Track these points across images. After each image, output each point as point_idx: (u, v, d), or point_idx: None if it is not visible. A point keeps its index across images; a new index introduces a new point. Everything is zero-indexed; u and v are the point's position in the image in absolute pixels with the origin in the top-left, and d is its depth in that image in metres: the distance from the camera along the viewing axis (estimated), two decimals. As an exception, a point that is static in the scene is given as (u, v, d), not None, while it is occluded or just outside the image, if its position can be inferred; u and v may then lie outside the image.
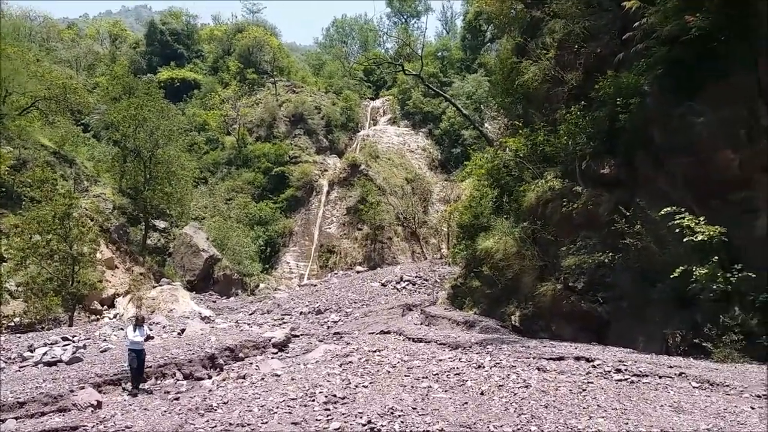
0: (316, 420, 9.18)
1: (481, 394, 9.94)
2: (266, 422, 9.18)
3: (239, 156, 56.88)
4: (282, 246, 52.90)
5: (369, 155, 55.26)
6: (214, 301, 36.60)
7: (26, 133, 33.62)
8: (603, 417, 8.08)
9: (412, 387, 10.79)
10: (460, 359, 13.48)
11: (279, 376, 14.03)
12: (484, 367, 12.46)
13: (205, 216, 47.75)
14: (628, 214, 15.05)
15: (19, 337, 20.96)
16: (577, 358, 12.55)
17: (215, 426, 8.95)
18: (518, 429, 7.78)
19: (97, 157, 44.15)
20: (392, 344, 18.10)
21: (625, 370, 11.22)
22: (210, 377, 16.19)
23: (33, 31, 66.34)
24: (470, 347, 15.32)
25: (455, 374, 11.69)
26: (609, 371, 11.31)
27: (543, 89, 20.48)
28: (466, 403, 9.39)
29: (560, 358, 12.58)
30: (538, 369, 11.66)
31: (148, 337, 14.48)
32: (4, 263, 26.43)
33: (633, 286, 15.31)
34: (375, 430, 8.01)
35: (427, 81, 48.60)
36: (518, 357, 13.03)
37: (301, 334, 23.56)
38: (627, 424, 7.72)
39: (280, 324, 26.41)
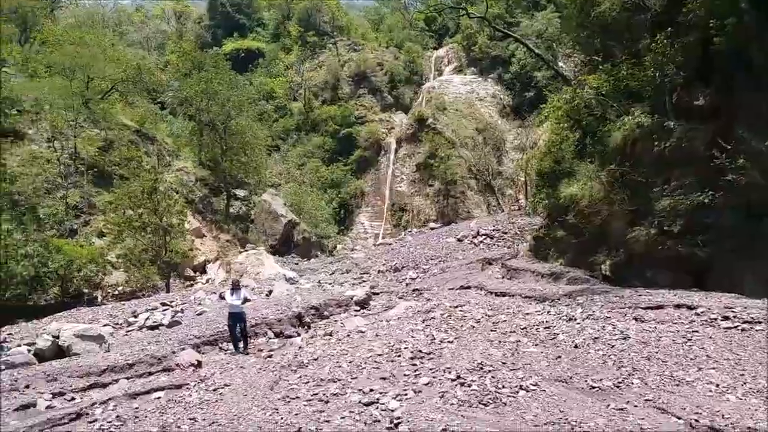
0: (404, 375, 9.27)
1: (575, 347, 9.67)
2: (355, 377, 9.37)
3: (307, 121, 57.47)
4: (355, 207, 53.40)
5: (436, 108, 54.09)
6: (297, 263, 37.71)
7: (109, 115, 35.40)
8: (714, 368, 7.64)
9: (500, 342, 10.66)
10: (548, 312, 13.17)
11: (363, 332, 14.31)
12: (575, 319, 12.10)
13: (281, 182, 48.90)
14: (728, 147, 13.90)
15: (123, 305, 22.52)
16: (678, 306, 11.92)
17: (307, 381, 9.23)
18: (619, 382, 7.50)
19: (175, 132, 45.97)
20: (474, 299, 17.98)
21: (734, 317, 10.54)
22: (299, 335, 16.77)
23: (105, 18, 68.99)
24: (558, 299, 14.93)
25: (545, 328, 11.44)
26: (715, 318, 10.68)
27: (623, 19, 18.98)
28: (560, 356, 9.16)
29: (659, 307, 11.99)
30: (636, 319, 11.18)
31: (245, 300, 14.73)
32: (104, 237, 28.37)
33: (737, 225, 14.23)
34: (465, 384, 7.98)
35: (492, 23, 46.44)
36: (612, 308, 12.54)
37: (381, 292, 23.84)
38: (743, 375, 7.25)
39: (360, 282, 26.88)
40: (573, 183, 20.54)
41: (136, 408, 8.83)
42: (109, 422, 7.89)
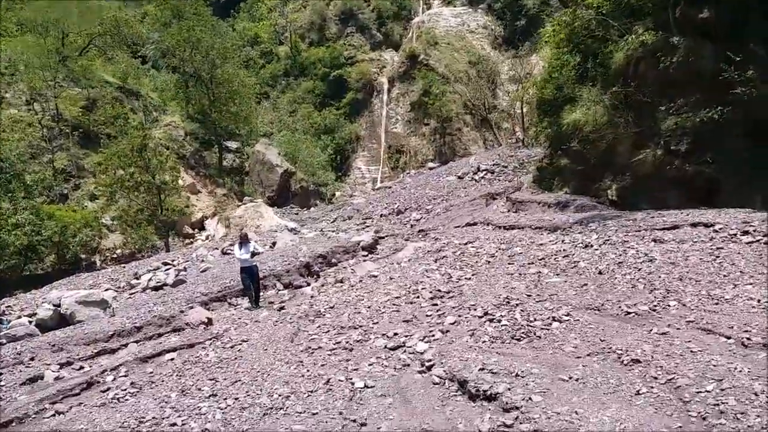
0: (427, 316, 8.89)
1: (600, 273, 9.26)
2: (377, 322, 9.00)
3: (295, 65, 55.55)
4: (351, 152, 52.32)
5: (427, 43, 52.25)
6: (296, 214, 37.26)
7: (90, 72, 33.98)
8: (750, 284, 7.22)
9: (520, 274, 10.25)
10: (563, 241, 12.74)
11: (376, 276, 13.94)
12: (592, 245, 11.68)
13: (273, 131, 47.74)
14: (737, 58, 13.19)
15: (124, 267, 22.10)
16: (694, 225, 11.48)
17: (328, 330, 8.85)
18: (655, 306, 7.10)
19: (160, 87, 44.41)
20: (483, 234, 17.60)
21: (754, 231, 10.12)
22: (308, 284, 16.42)
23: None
24: (570, 228, 14.50)
25: (563, 256, 11.02)
26: (735, 234, 10.26)
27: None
28: (585, 284, 8.76)
29: (675, 227, 11.55)
30: (655, 241, 10.74)
31: (254, 254, 14.17)
32: (96, 200, 27.68)
33: (747, 140, 13.76)
34: (495, 320, 7.58)
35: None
36: (627, 231, 12.11)
37: (386, 235, 23.44)
38: (783, 288, 6.83)
39: (364, 228, 26.48)
40: (575, 109, 19.83)
41: (151, 372, 8.44)
42: (124, 390, 7.50)
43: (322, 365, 7.16)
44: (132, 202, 26.27)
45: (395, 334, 8.23)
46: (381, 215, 30.19)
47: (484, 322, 7.64)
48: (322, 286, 15.72)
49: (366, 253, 19.79)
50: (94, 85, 33.83)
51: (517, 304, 8.06)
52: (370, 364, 7.16)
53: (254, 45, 57.11)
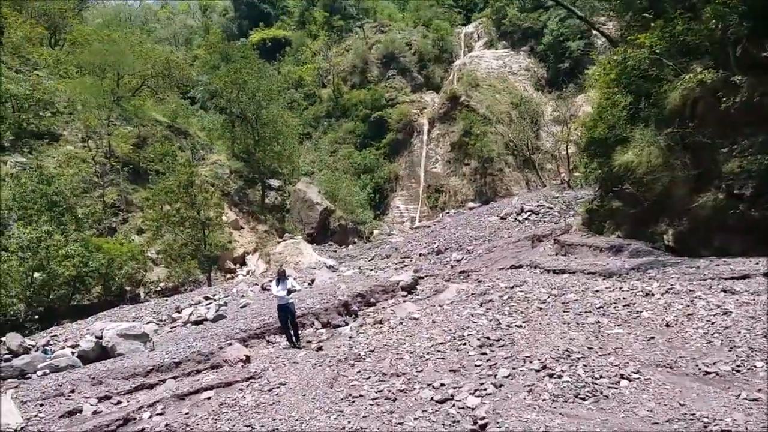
0: (476, 366, 8.33)
1: (667, 326, 8.54)
2: (421, 370, 8.49)
3: (337, 107, 56.53)
4: (390, 191, 52.39)
5: (468, 84, 52.44)
6: (335, 251, 37.14)
7: (141, 112, 35.18)
8: None
9: (577, 324, 9.59)
10: (621, 288, 11.99)
11: (417, 319, 13.42)
12: (653, 294, 10.92)
13: (314, 170, 48.27)
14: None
15: (166, 300, 22.15)
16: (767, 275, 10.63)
17: (369, 376, 8.38)
18: (738, 366, 6.38)
19: (207, 126, 45.65)
20: (531, 278, 16.90)
21: (837, 281, 9.26)
22: (347, 324, 16.01)
23: (132, 16, 69.13)
24: (626, 274, 13.74)
25: (623, 305, 10.30)
26: (814, 285, 9.40)
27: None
28: (653, 337, 8.07)
29: (745, 276, 10.72)
30: (725, 291, 9.94)
31: (290, 291, 13.60)
32: (143, 234, 28.14)
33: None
34: (555, 375, 6.97)
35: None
36: (691, 280, 11.32)
37: (426, 276, 22.93)
38: None
39: (402, 267, 26.03)
40: (627, 150, 19.16)
41: (186, 414, 8.10)
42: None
43: (364, 417, 6.68)
44: (177, 236, 26.57)
45: (442, 385, 7.70)
46: (420, 255, 29.67)
47: (543, 377, 7.05)
48: (361, 326, 15.27)
49: (405, 293, 19.29)
50: (145, 124, 34.94)
51: (578, 358, 7.44)
52: (415, 419, 6.64)
53: (298, 87, 58.59)
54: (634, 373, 6.73)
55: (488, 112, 50.14)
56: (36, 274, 21.04)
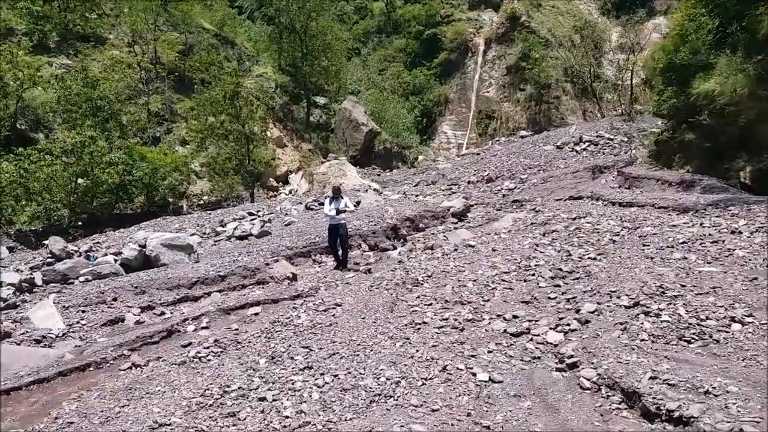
0: (549, 298, 7.51)
1: (769, 267, 7.44)
2: (487, 299, 7.71)
3: (389, 22, 53.81)
4: (438, 115, 50.50)
5: (530, 4, 48.92)
6: (378, 175, 36.26)
7: (189, 18, 33.88)
8: None
9: (662, 259, 8.56)
10: (701, 224, 10.80)
11: (473, 246, 12.58)
12: (741, 232, 9.74)
13: (361, 89, 46.62)
14: None
15: (210, 214, 21.87)
16: None
17: (431, 303, 7.66)
18: None
19: (254, 38, 44.16)
20: (595, 210, 15.73)
21: None
22: (395, 248, 15.37)
23: None
24: (704, 210, 12.47)
25: (711, 242, 9.18)
26: None
27: None
28: (755, 278, 7.01)
29: None
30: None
31: (339, 210, 12.41)
32: (186, 146, 27.74)
33: None
34: (652, 314, 6.06)
35: None
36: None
37: (476, 203, 21.99)
38: None
39: (450, 194, 25.07)
40: (709, 77, 17.30)
41: (236, 330, 7.56)
42: (207, 348, 6.63)
43: (434, 346, 5.98)
44: (221, 150, 26.06)
45: (515, 317, 6.92)
46: (469, 182, 28.52)
47: (638, 314, 6.15)
48: (410, 251, 14.60)
49: (456, 220, 18.46)
50: (191, 31, 33.84)
51: (675, 296, 6.48)
52: (489, 351, 5.91)
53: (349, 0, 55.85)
54: (747, 316, 5.77)
55: (549, 35, 47.03)
56: (80, 180, 20.87)
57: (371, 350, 5.94)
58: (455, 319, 6.85)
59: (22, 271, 13.27)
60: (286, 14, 36.89)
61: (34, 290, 12.31)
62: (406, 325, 6.69)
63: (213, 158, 26.15)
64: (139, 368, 6.44)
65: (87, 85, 22.97)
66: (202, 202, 26.56)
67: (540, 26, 47.37)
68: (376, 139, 39.63)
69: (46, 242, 15.20)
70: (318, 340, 6.39)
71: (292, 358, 5.95)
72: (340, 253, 12.85)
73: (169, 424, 4.75)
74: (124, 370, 6.51)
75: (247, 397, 5.16)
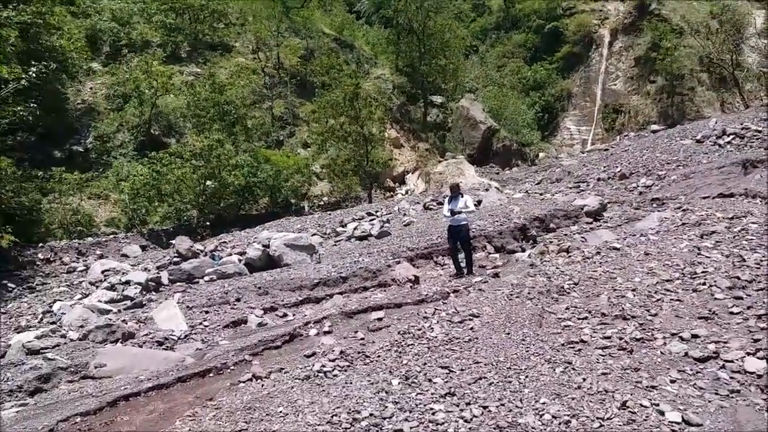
0: (731, 313, 6.23)
1: None
2: (655, 314, 6.46)
3: (507, 18, 52.03)
4: (560, 111, 47.97)
5: (661, -11, 45.02)
6: (497, 173, 34.88)
7: (309, 23, 34.79)
8: None
9: None
10: None
11: (618, 249, 11.11)
12: None
13: (478, 87, 45.33)
14: None
15: (330, 214, 21.89)
16: None
17: (585, 316, 6.56)
18: None
19: (371, 41, 44.52)
20: (755, 209, 13.54)
21: None
22: (523, 250, 14.18)
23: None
24: None
25: None
26: None
27: None
28: None
29: None
30: None
31: (453, 212, 11.32)
32: (308, 148, 28.24)
33: None
34: None
35: None
36: None
37: (610, 202, 20.08)
38: None
39: (577, 192, 23.22)
40: None
41: (362, 340, 6.93)
42: (332, 360, 6.03)
43: (604, 374, 4.91)
44: (340, 151, 26.21)
45: (694, 336, 5.66)
46: (599, 179, 26.31)
47: None
48: (541, 253, 13.32)
49: (590, 220, 16.83)
50: (312, 36, 34.64)
51: None
52: (672, 381, 4.76)
53: (466, -4, 54.68)
54: None
55: (682, 23, 42.99)
56: (208, 182, 21.73)
57: (526, 376, 4.98)
58: (620, 338, 5.71)
59: (149, 270, 13.73)
60: (404, 14, 36.68)
61: (160, 289, 12.60)
62: (562, 344, 5.65)
63: (333, 160, 26.40)
64: (260, 381, 5.97)
65: (214, 91, 24.01)
66: (322, 202, 26.88)
67: (672, 13, 43.56)
68: (494, 137, 38.30)
69: (173, 241, 15.73)
70: (458, 359, 5.53)
71: (429, 380, 5.15)
72: (461, 258, 11.91)
73: (293, 457, 4.18)
74: (244, 381, 6.08)
75: (381, 428, 4.42)
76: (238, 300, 10.95)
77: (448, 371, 5.31)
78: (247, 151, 23.33)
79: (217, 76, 25.76)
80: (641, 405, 4.34)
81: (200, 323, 9.72)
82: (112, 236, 19.99)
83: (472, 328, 6.28)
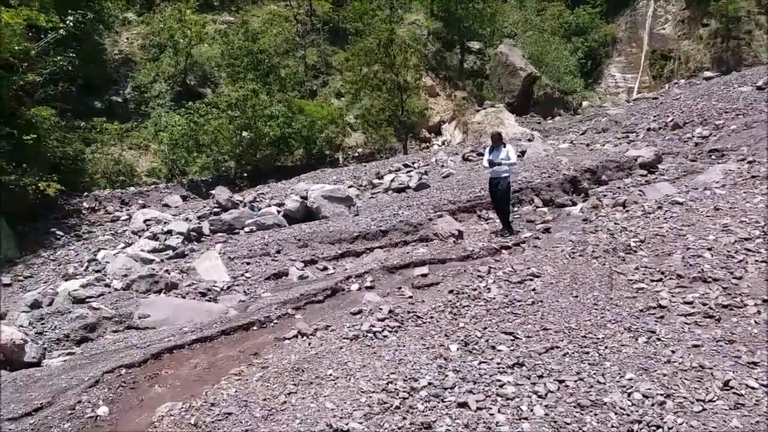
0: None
1: None
2: (740, 276, 5.75)
3: (549, -43, 49.08)
4: (604, 57, 45.70)
5: (716, -77, 41.64)
6: (538, 123, 33.52)
7: (341, -34, 33.26)
8: None
9: None
10: None
11: (682, 203, 10.28)
12: None
13: (517, 32, 43.27)
14: None
15: (365, 166, 21.33)
16: None
17: (660, 278, 5.89)
18: None
19: (405, -15, 42.59)
20: (832, 159, 12.43)
21: None
22: (574, 203, 13.43)
23: None
24: None
25: None
26: None
27: None
28: None
29: None
30: None
31: (492, 163, 10.54)
32: (341, 98, 27.44)
33: None
34: None
35: None
36: None
37: (664, 153, 18.92)
38: None
39: (628, 143, 22.01)
40: None
41: (410, 299, 6.41)
42: (381, 320, 5.54)
43: (695, 346, 4.29)
44: (375, 101, 25.35)
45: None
46: (649, 129, 24.88)
47: None
48: (594, 207, 12.57)
49: (644, 172, 15.85)
50: (343, -20, 33.22)
51: None
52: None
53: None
54: None
55: (740, -43, 39.95)
56: (244, 133, 21.37)
57: (605, 347, 4.41)
58: (704, 304, 5.07)
59: (190, 220, 13.52)
60: (438, -47, 34.76)
61: (202, 239, 12.45)
62: (641, 310, 5.04)
63: (367, 110, 25.61)
64: (306, 338, 5.54)
65: (248, 39, 23.30)
66: (356, 154, 26.27)
67: (731, -53, 40.22)
68: (534, 85, 36.67)
69: (213, 192, 15.50)
70: (522, 325, 4.96)
71: (493, 347, 4.62)
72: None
73: (347, 431, 3.74)
74: (290, 338, 5.67)
75: (443, 400, 3.96)
76: (278, 252, 10.63)
77: (512, 338, 4.76)
78: (281, 102, 22.72)
79: (250, 24, 24.97)
80: (748, 386, 3.73)
81: (242, 274, 9.50)
82: (153, 186, 20.01)
83: (534, 290, 5.69)
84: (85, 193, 18.28)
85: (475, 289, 5.91)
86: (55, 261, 12.56)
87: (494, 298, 5.61)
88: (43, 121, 16.16)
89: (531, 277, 6.01)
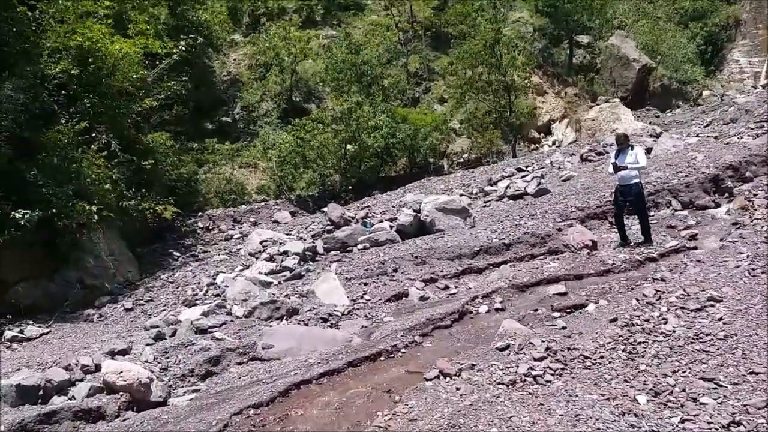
0: None
1: None
2: None
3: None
4: (726, 41, 41.68)
5: None
6: (657, 116, 31.15)
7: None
8: None
9: None
10: None
11: None
12: None
13: (628, 23, 40.61)
14: None
15: (472, 172, 20.57)
16: None
17: None
18: None
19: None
20: None
21: None
22: (717, 205, 11.93)
23: None
24: None
25: None
26: None
27: None
28: None
29: None
30: None
31: (617, 167, 9.46)
32: (444, 104, 26.90)
33: None
34: None
35: None
36: None
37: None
38: None
39: (764, 133, 19.60)
40: None
41: (564, 330, 5.61)
42: (538, 360, 4.77)
43: None
44: (480, 103, 24.53)
45: None
46: (789, 116, 22.19)
47: None
48: (743, 209, 11.09)
49: (800, 167, 13.86)
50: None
51: None
52: None
53: None
54: None
55: None
56: (348, 146, 21.36)
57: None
58: None
59: (304, 239, 13.47)
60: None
61: (316, 258, 12.27)
62: None
63: (472, 113, 24.85)
64: (449, 380, 4.96)
65: (351, 52, 23.38)
66: (461, 160, 25.53)
67: None
68: (650, 76, 34.14)
69: (325, 209, 15.40)
70: (721, 367, 4.01)
71: (693, 399, 3.77)
72: (627, 223, 10.15)
73: None
74: (431, 379, 5.10)
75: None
76: (395, 270, 10.21)
77: (715, 386, 3.88)
78: (384, 111, 22.53)
79: (353, 36, 25.11)
80: None
81: (361, 296, 9.16)
82: (263, 203, 20.40)
83: (721, 319, 4.74)
84: (200, 213, 18.78)
85: (647, 320, 5.03)
86: (174, 283, 12.70)
87: (674, 331, 4.71)
88: (160, 146, 16.75)
89: (711, 303, 5.03)
